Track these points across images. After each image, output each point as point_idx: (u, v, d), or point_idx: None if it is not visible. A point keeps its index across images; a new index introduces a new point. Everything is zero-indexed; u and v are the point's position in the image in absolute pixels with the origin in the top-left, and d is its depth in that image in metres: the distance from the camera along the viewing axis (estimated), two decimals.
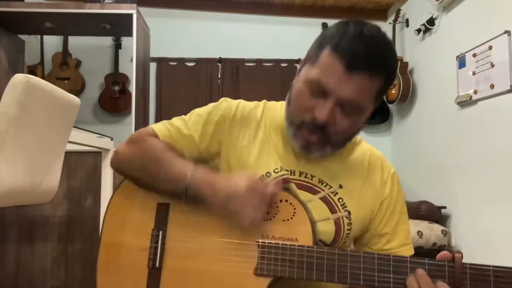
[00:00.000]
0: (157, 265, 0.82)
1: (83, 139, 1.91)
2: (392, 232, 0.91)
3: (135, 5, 2.99)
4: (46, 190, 1.51)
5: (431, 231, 3.06)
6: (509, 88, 2.59)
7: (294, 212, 0.81)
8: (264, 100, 0.97)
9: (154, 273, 0.82)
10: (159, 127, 0.93)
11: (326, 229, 0.86)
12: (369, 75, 0.76)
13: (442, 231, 3.08)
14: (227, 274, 0.79)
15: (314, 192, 0.87)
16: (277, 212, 0.81)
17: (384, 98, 4.13)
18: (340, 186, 0.89)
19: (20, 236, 2.27)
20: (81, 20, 3.08)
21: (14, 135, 1.22)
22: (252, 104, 0.95)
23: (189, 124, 0.92)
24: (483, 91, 2.84)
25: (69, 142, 1.66)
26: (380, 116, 4.18)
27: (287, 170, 0.88)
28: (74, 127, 1.65)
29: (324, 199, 0.87)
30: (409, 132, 3.95)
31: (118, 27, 3.19)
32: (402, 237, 0.91)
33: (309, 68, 0.81)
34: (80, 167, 2.33)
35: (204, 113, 0.92)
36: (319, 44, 0.81)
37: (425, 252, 3.14)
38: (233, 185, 0.77)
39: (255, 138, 0.91)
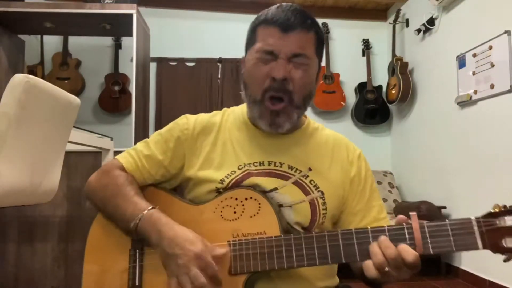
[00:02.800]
0: (137, 284, 0.84)
1: (83, 139, 1.92)
2: (365, 208, 0.94)
3: (135, 5, 2.99)
4: (46, 190, 1.51)
5: None
6: (509, 88, 2.59)
7: (259, 207, 0.84)
8: (225, 108, 1.03)
9: None
10: (125, 157, 0.96)
11: (303, 211, 0.89)
12: (302, 30, 0.87)
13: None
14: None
15: (285, 178, 0.90)
16: (243, 210, 0.84)
17: (384, 98, 4.14)
18: (310, 169, 0.92)
19: (20, 236, 2.27)
20: (81, 20, 3.08)
21: (14, 135, 1.22)
22: (211, 114, 1.01)
23: (151, 144, 0.96)
24: (483, 91, 2.84)
25: (69, 142, 1.66)
26: (380, 116, 4.18)
27: (256, 162, 0.91)
28: (74, 127, 1.65)
29: (296, 183, 0.90)
30: (409, 132, 3.95)
31: (118, 27, 3.19)
32: (375, 213, 0.94)
33: (252, 48, 0.91)
34: (80, 167, 2.33)
35: (165, 131, 0.97)
36: (252, 30, 0.93)
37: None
38: (181, 246, 0.76)
39: (216, 142, 0.95)
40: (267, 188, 0.89)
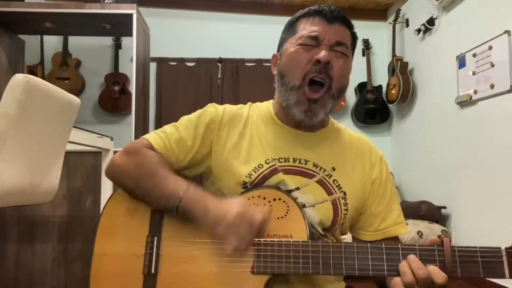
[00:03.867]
0: (153, 271, 0.82)
1: (83, 139, 1.91)
2: (385, 211, 0.95)
3: (135, 5, 2.99)
4: (46, 190, 1.51)
5: (431, 231, 3.07)
6: (509, 88, 2.59)
7: (288, 210, 0.83)
8: (249, 102, 1.04)
9: (150, 280, 0.82)
10: (153, 137, 0.94)
11: (325, 211, 0.88)
12: (344, 25, 0.92)
13: (442, 231, 3.08)
14: (224, 275, 0.79)
15: (310, 176, 0.90)
16: (271, 211, 0.83)
17: (384, 98, 4.14)
18: (333, 169, 0.92)
19: (20, 236, 2.27)
20: (81, 20, 3.08)
21: (14, 135, 1.22)
22: (238, 106, 1.01)
23: (180, 129, 0.94)
24: (483, 91, 2.84)
25: (69, 142, 1.66)
26: (380, 116, 4.18)
27: (281, 158, 0.91)
28: (74, 127, 1.65)
29: (320, 182, 0.90)
30: (409, 132, 3.95)
31: (118, 27, 3.19)
32: (395, 216, 0.95)
33: (292, 38, 0.92)
34: (80, 167, 2.33)
35: (194, 117, 0.96)
36: (290, 24, 0.96)
37: None
38: (223, 209, 0.77)
39: (244, 134, 0.94)
40: (291, 186, 0.88)
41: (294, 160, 0.91)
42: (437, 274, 0.71)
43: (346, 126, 1.07)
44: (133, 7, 2.97)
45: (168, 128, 0.96)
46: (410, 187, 3.90)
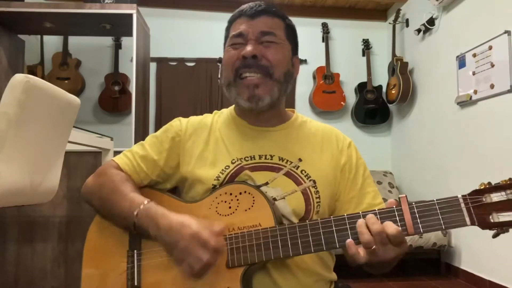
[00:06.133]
0: (136, 284, 0.85)
1: (83, 139, 1.91)
2: (358, 195, 0.95)
3: (135, 5, 2.99)
4: (46, 190, 1.50)
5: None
6: (509, 88, 2.59)
7: (254, 200, 0.85)
8: (215, 110, 1.08)
9: None
10: (120, 158, 0.99)
11: (296, 201, 0.90)
12: (267, 16, 0.94)
13: (442, 231, 3.08)
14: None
15: (277, 170, 0.92)
16: (238, 205, 0.86)
17: (384, 98, 4.14)
18: (300, 160, 0.94)
19: (20, 236, 2.27)
20: (81, 20, 3.08)
21: (14, 135, 1.22)
22: (203, 115, 1.06)
23: (146, 146, 0.99)
24: (483, 91, 2.84)
25: (69, 142, 1.66)
26: (380, 116, 4.18)
27: (247, 157, 0.93)
28: (74, 127, 1.65)
29: (287, 174, 0.92)
30: (409, 132, 3.95)
31: (118, 27, 3.19)
32: (369, 199, 0.95)
33: (225, 44, 0.98)
34: (80, 167, 2.33)
35: (160, 133, 1.01)
36: (225, 30, 1.00)
37: (425, 252, 3.15)
38: (175, 231, 0.79)
39: (208, 141, 0.98)
40: (259, 182, 0.90)
41: (260, 157, 0.93)
42: (389, 226, 0.72)
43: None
44: (133, 7, 2.97)
45: (135, 147, 1.00)
46: (410, 187, 3.90)
